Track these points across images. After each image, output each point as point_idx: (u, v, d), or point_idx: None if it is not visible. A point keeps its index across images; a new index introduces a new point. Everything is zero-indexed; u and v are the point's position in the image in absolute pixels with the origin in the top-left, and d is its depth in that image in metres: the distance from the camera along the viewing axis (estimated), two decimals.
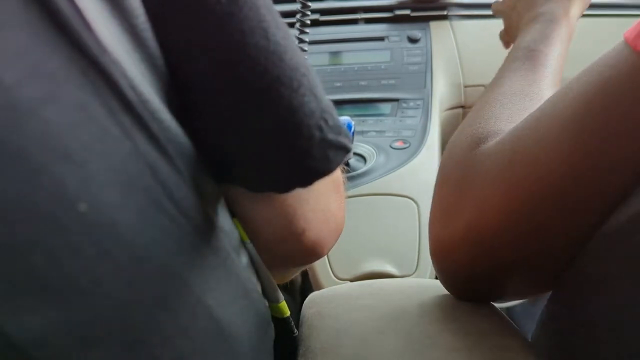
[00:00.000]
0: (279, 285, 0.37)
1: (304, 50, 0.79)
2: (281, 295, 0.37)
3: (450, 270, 0.40)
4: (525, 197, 0.32)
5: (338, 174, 0.33)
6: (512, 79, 0.45)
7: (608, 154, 0.29)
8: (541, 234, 0.33)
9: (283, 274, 0.41)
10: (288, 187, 0.29)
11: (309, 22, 0.78)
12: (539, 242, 0.33)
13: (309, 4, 0.75)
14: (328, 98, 0.30)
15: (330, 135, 0.29)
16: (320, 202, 0.34)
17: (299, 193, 0.30)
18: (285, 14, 0.91)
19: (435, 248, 0.40)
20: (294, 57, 0.28)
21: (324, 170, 0.29)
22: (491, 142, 0.36)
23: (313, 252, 0.36)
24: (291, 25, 0.79)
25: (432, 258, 0.41)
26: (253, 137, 0.27)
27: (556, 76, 0.47)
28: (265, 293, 0.35)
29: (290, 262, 0.38)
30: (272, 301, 0.36)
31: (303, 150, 0.28)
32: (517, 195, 0.33)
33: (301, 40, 0.78)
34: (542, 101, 0.38)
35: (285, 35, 0.28)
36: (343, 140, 0.30)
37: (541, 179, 0.31)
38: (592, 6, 0.98)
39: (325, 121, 0.29)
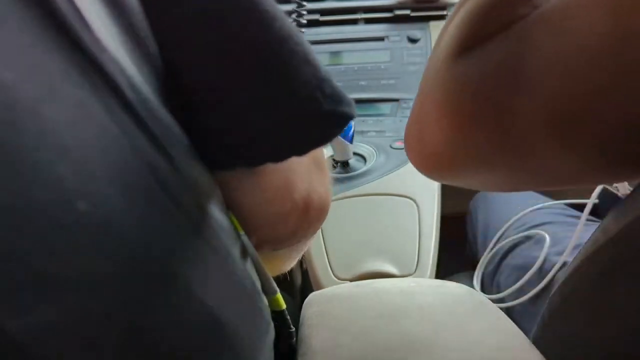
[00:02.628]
0: (278, 285, 0.37)
1: None
2: (276, 287, 0.37)
3: (428, 165, 0.37)
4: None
5: (319, 152, 0.33)
6: None
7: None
8: None
9: (274, 260, 0.40)
10: (282, 156, 0.29)
11: (304, 21, 0.78)
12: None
13: (304, 3, 0.75)
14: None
15: (327, 106, 0.28)
16: (305, 175, 0.34)
17: (288, 165, 0.30)
18: None
19: (413, 149, 0.37)
20: (284, 25, 0.27)
21: (320, 141, 0.29)
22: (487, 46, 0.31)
23: (307, 216, 0.35)
24: None
25: (408, 154, 0.38)
26: (245, 109, 0.27)
27: None
28: (262, 286, 0.35)
29: (298, 232, 0.37)
30: (268, 293, 0.36)
31: (296, 121, 0.28)
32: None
33: None
34: None
35: (274, 4, 0.27)
36: (343, 109, 0.29)
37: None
38: None
39: (322, 91, 0.28)
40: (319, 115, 0.28)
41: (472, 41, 0.32)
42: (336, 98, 0.29)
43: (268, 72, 0.27)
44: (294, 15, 0.77)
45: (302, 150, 0.29)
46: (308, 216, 0.35)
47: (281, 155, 0.29)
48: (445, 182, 0.39)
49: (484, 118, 0.31)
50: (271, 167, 0.30)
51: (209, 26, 0.26)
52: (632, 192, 0.30)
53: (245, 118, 0.28)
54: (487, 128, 0.31)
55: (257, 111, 0.27)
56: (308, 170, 0.35)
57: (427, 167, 0.37)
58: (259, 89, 0.27)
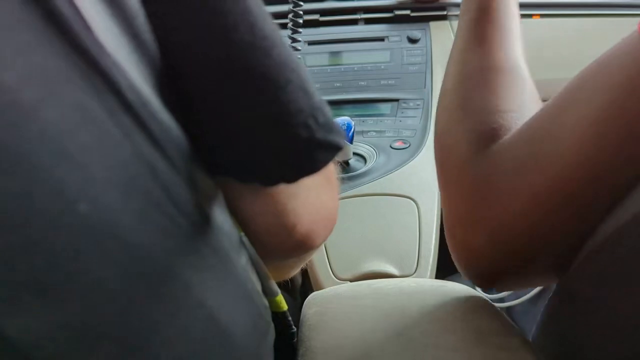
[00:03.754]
0: (278, 285, 0.37)
1: (297, 50, 0.79)
2: (277, 289, 0.37)
3: (475, 271, 0.40)
4: (548, 198, 0.33)
5: (330, 166, 0.33)
6: (478, 53, 0.42)
7: (628, 152, 0.30)
8: (563, 230, 0.33)
9: (278, 268, 0.41)
10: (273, 181, 0.29)
11: (301, 21, 0.78)
12: (562, 237, 0.34)
13: (301, 3, 0.75)
14: (321, 95, 0.30)
15: (319, 134, 0.29)
16: (311, 196, 0.34)
17: (287, 187, 0.30)
18: (278, 15, 0.90)
19: (459, 255, 0.40)
20: (282, 52, 0.27)
21: (310, 170, 0.29)
22: (502, 143, 0.36)
23: (305, 246, 0.35)
24: (284, 25, 0.79)
25: (456, 263, 0.41)
26: (238, 131, 0.27)
27: (516, 32, 0.43)
28: (262, 287, 0.35)
29: (282, 255, 0.37)
30: (269, 295, 0.36)
31: (288, 149, 0.28)
32: (540, 198, 0.33)
33: (294, 40, 0.79)
34: (520, 70, 0.39)
35: (274, 30, 0.27)
36: (334, 138, 0.29)
37: (563, 180, 0.32)
38: (593, 6, 0.99)
39: (315, 119, 0.28)
40: (311, 144, 0.28)
41: (486, 141, 0.37)
42: (328, 127, 0.29)
43: (262, 97, 0.27)
44: (290, 16, 0.77)
45: (291, 178, 0.29)
46: (315, 229, 0.35)
47: (270, 180, 0.29)
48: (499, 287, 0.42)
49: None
50: (263, 189, 0.30)
51: (208, 44, 0.26)
52: (630, 191, 0.30)
53: (236, 139, 0.28)
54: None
55: (249, 134, 0.27)
56: (317, 185, 0.35)
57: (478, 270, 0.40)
58: (251, 112, 0.27)
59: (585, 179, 0.31)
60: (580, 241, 0.33)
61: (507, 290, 0.42)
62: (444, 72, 0.96)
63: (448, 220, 0.40)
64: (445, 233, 0.41)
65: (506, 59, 0.41)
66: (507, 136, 0.36)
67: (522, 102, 0.39)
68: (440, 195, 0.42)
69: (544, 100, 0.37)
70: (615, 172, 0.30)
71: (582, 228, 0.33)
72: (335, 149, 0.30)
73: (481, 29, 0.43)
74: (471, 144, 0.37)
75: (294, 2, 0.75)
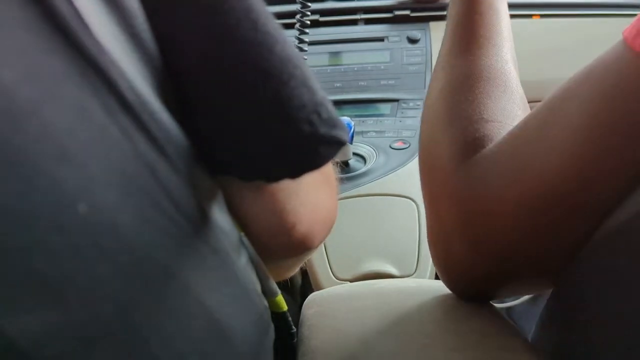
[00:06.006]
0: (278, 285, 0.37)
1: (304, 50, 0.79)
2: (277, 289, 0.37)
3: (453, 277, 0.40)
4: (534, 207, 0.33)
5: (328, 165, 0.33)
6: (464, 59, 0.41)
7: (613, 158, 0.30)
8: (546, 238, 0.34)
9: (277, 268, 0.41)
10: (276, 177, 0.29)
11: (308, 22, 0.78)
12: (543, 247, 0.34)
13: (309, 4, 0.75)
14: (323, 91, 0.30)
15: (323, 130, 0.28)
16: (310, 195, 0.34)
17: (288, 187, 0.30)
18: (285, 15, 0.91)
19: (442, 267, 0.41)
20: (285, 48, 0.27)
21: (313, 165, 0.29)
22: (485, 153, 0.36)
23: (304, 245, 0.35)
24: (291, 25, 0.79)
25: (440, 275, 0.42)
26: (241, 128, 0.27)
27: (505, 34, 0.42)
28: (262, 287, 0.35)
29: (281, 255, 0.37)
30: (269, 295, 0.36)
31: (291, 144, 0.28)
32: (525, 208, 0.33)
33: (301, 41, 0.79)
34: (508, 78, 0.39)
35: (276, 27, 0.27)
36: (337, 133, 0.29)
37: (550, 189, 0.32)
38: (592, 6, 0.99)
39: (318, 114, 0.28)
40: (314, 139, 0.28)
41: (469, 151, 0.37)
42: (331, 122, 0.29)
43: (265, 93, 0.27)
44: (298, 16, 0.77)
45: (294, 173, 0.29)
46: (314, 229, 0.35)
47: (273, 175, 0.29)
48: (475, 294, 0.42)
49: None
50: (264, 188, 0.30)
51: (211, 42, 0.26)
52: (627, 193, 0.30)
53: (239, 135, 0.28)
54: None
55: (251, 130, 0.27)
56: (315, 184, 0.35)
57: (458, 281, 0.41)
58: (255, 108, 0.27)
59: (571, 188, 0.31)
60: (570, 248, 0.33)
61: (496, 299, 0.42)
62: None
63: (431, 232, 0.41)
64: (428, 244, 0.42)
65: (492, 65, 0.40)
66: (490, 146, 0.36)
67: (508, 111, 0.38)
68: (425, 207, 0.42)
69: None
70: (603, 180, 0.31)
71: (570, 235, 0.33)
72: (339, 143, 0.30)
73: (467, 31, 0.41)
74: (455, 155, 0.37)
75: (302, 3, 0.75)
